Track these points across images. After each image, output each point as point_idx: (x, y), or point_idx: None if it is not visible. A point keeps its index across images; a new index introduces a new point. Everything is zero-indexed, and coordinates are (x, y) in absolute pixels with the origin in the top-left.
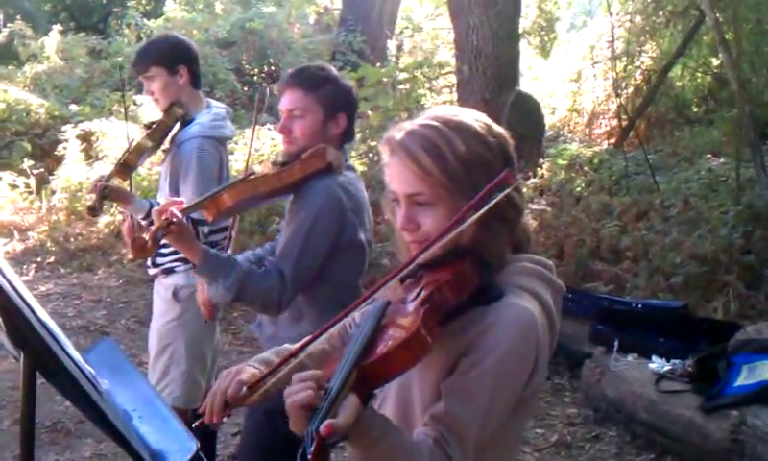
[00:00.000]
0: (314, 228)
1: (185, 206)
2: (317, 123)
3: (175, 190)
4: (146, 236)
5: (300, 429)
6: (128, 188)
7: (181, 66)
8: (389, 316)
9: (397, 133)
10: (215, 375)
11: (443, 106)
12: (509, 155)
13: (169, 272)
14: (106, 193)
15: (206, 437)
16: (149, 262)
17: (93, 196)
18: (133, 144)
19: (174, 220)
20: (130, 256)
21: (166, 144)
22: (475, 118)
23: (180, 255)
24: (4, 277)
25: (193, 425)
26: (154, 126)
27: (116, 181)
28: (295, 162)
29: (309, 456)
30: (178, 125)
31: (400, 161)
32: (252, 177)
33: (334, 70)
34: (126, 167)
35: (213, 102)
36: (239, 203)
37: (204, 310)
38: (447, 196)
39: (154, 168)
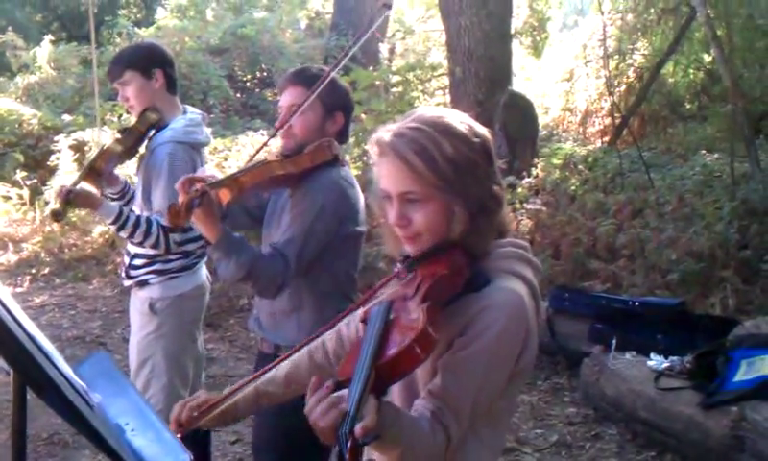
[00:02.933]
0: (319, 217)
1: (209, 182)
2: (316, 120)
3: (147, 197)
4: (179, 204)
5: (330, 437)
6: (96, 193)
7: (157, 70)
8: (394, 314)
9: (386, 134)
10: (200, 385)
11: (428, 107)
12: (490, 153)
13: (143, 284)
14: (71, 198)
15: (201, 445)
16: (123, 274)
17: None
18: (103, 149)
19: (208, 190)
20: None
21: (142, 150)
22: (460, 120)
23: (155, 268)
24: None
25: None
26: (126, 131)
27: (85, 186)
28: (304, 152)
29: (347, 456)
30: (153, 131)
31: (391, 162)
32: (268, 161)
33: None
34: (94, 172)
35: (189, 108)
36: (256, 185)
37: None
38: (437, 194)
39: None
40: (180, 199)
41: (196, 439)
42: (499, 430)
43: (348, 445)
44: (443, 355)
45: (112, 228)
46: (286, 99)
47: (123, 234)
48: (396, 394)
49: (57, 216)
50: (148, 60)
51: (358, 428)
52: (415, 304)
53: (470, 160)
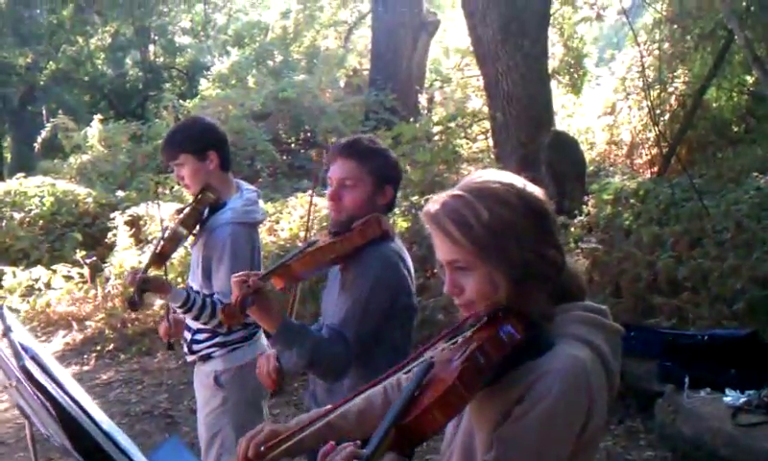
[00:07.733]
0: (373, 294)
1: (261, 274)
2: (366, 193)
3: (207, 275)
4: (232, 303)
5: None
6: (164, 277)
7: (211, 151)
8: (433, 375)
9: (432, 206)
10: None
11: (480, 171)
12: (541, 213)
13: (207, 358)
14: (145, 286)
15: None
16: (186, 350)
17: (131, 289)
18: (168, 232)
19: (261, 286)
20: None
21: (196, 229)
22: (501, 181)
23: (217, 340)
24: (65, 392)
25: None
26: (186, 212)
27: (152, 271)
28: (353, 231)
29: None
30: (207, 210)
31: (435, 233)
32: (317, 245)
33: (382, 143)
34: (161, 256)
35: (244, 184)
36: (307, 271)
37: (268, 381)
38: (478, 261)
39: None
40: (234, 296)
41: None
42: None
43: None
44: (500, 426)
45: (179, 311)
46: (336, 171)
47: (188, 317)
48: None
49: (134, 305)
50: (202, 143)
51: None
52: (455, 364)
53: (510, 223)
